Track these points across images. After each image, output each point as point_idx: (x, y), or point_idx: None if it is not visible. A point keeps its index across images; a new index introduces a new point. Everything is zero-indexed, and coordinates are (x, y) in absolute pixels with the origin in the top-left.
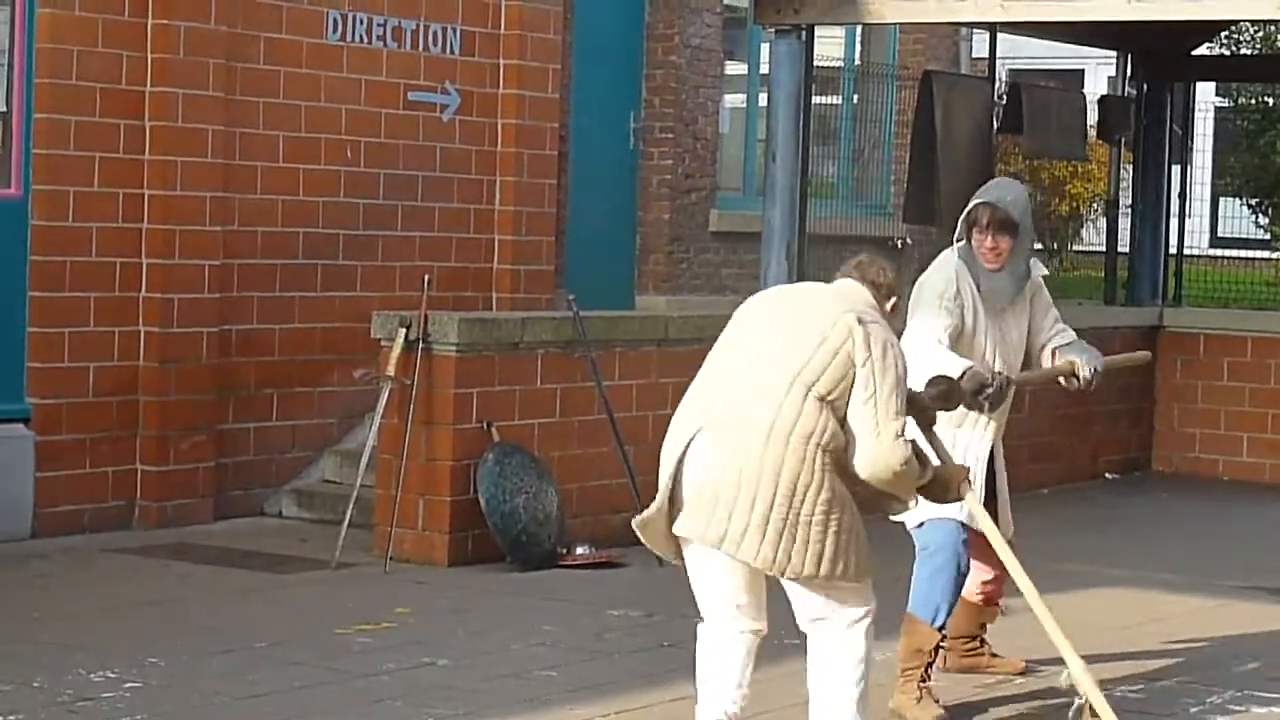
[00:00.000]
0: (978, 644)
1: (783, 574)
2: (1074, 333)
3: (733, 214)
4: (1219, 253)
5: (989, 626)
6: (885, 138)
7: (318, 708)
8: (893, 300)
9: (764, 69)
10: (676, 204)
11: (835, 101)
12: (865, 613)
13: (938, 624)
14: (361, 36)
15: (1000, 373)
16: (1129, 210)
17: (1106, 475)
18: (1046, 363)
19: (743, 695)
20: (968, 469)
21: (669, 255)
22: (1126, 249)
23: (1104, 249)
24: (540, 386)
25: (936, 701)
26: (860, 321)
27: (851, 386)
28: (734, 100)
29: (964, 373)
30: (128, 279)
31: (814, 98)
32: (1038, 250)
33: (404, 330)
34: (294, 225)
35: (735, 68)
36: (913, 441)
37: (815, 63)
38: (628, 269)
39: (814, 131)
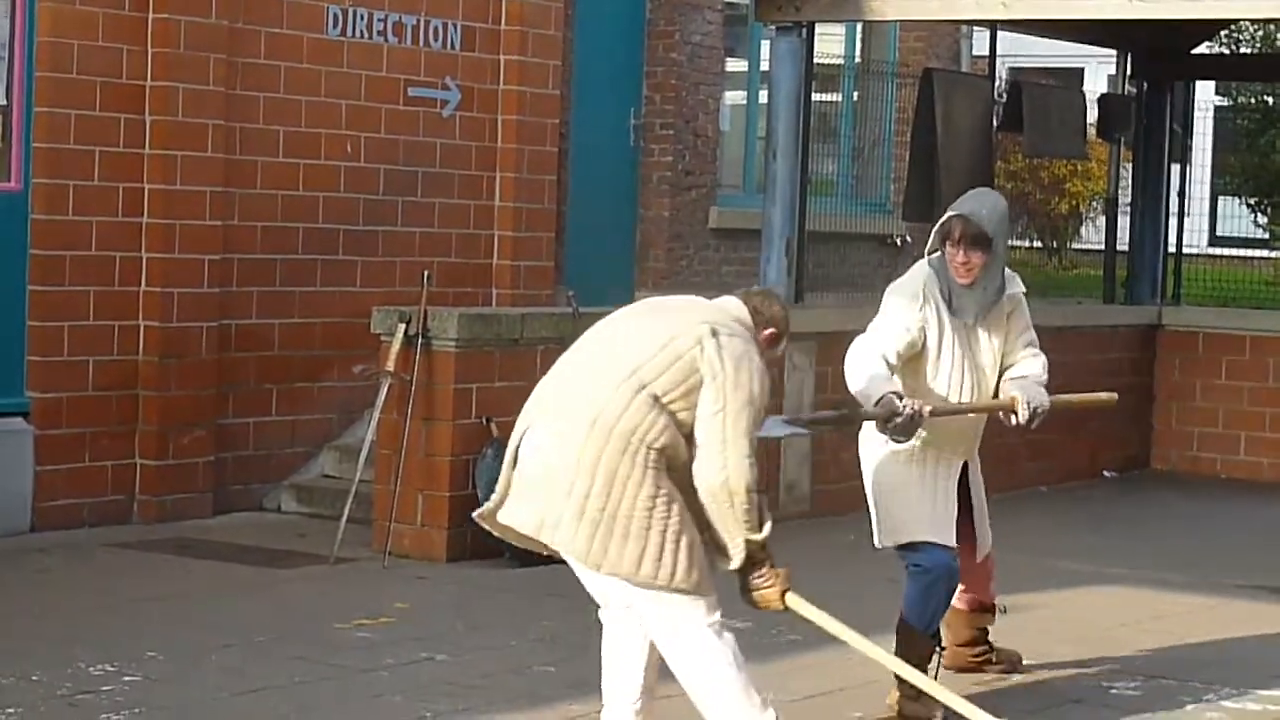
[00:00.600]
0: (985, 649)
1: (599, 569)
2: (1042, 360)
3: (733, 211)
4: (1218, 251)
5: (990, 629)
6: (885, 135)
7: (317, 702)
8: (770, 332)
9: (765, 66)
10: (677, 201)
11: (836, 99)
12: (704, 624)
13: (932, 630)
14: (362, 32)
15: (910, 404)
16: (1128, 209)
17: (1105, 473)
18: (1004, 390)
19: (638, 691)
20: (782, 582)
21: (669, 252)
22: (1126, 247)
23: (1103, 247)
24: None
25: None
26: (715, 334)
27: (698, 398)
28: (734, 97)
29: (879, 399)
30: (128, 273)
31: (814, 95)
32: (1035, 248)
33: (403, 326)
34: (294, 220)
35: (736, 65)
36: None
37: (816, 60)
38: (628, 265)
39: (814, 129)
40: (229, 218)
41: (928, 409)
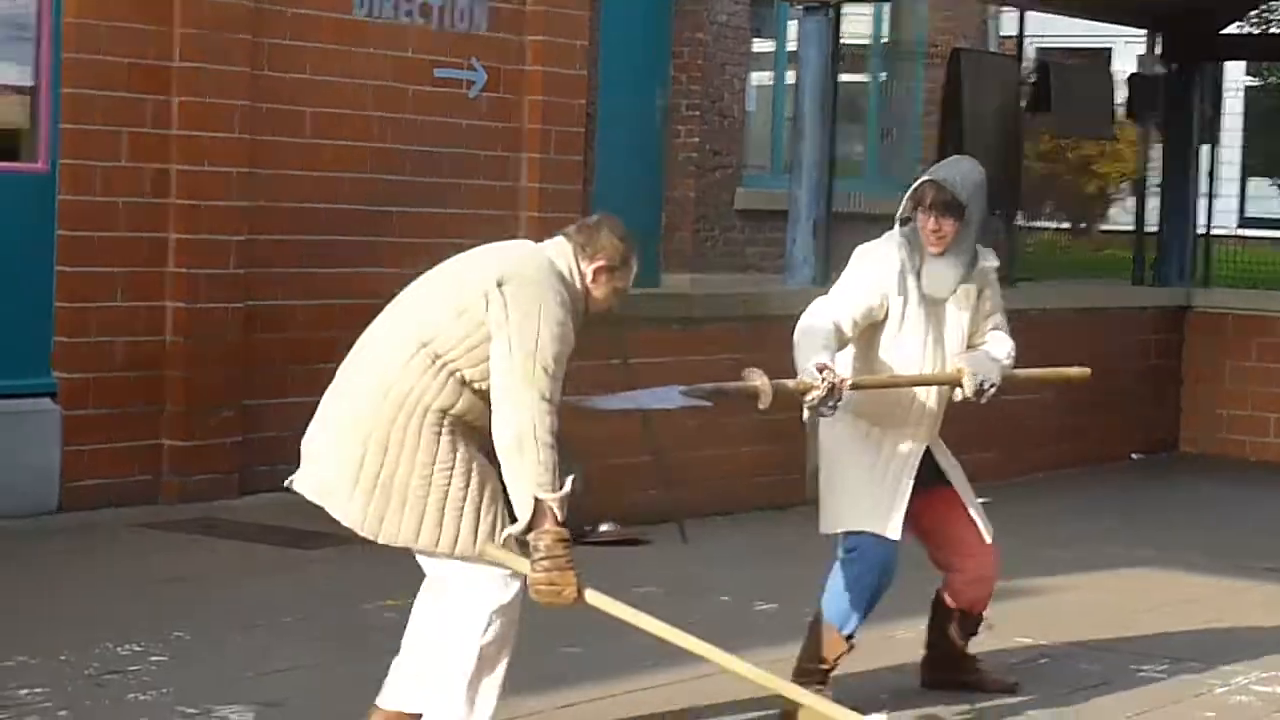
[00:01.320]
0: (970, 661)
1: (377, 538)
2: (1008, 343)
3: (758, 192)
4: (1248, 233)
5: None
6: (913, 116)
7: (343, 683)
8: (599, 264)
9: (791, 46)
10: (702, 181)
11: (863, 79)
12: (480, 597)
13: (846, 631)
14: (388, 12)
15: (827, 375)
16: (1157, 189)
17: (1133, 456)
18: (951, 363)
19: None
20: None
21: (694, 233)
22: (1155, 229)
23: (1132, 229)
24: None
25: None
26: (500, 284)
27: (487, 352)
28: (761, 78)
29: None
30: (154, 254)
31: (841, 75)
32: (1064, 229)
33: None
34: (319, 201)
35: (762, 45)
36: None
37: (843, 40)
38: (653, 246)
39: (841, 109)
40: (254, 199)
41: (847, 381)
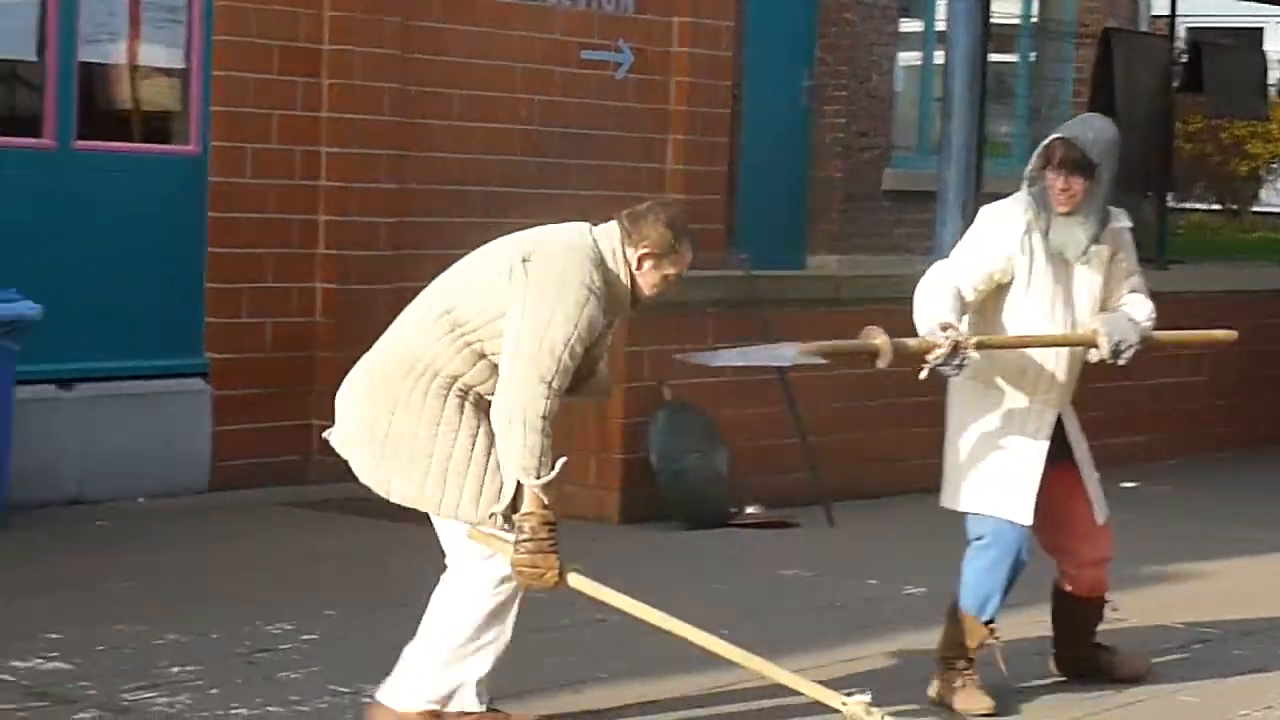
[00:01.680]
0: (1102, 648)
1: (388, 495)
2: (1148, 305)
3: (906, 172)
4: None
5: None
6: (1062, 96)
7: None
8: (643, 253)
9: (940, 26)
10: (849, 162)
11: (1012, 59)
12: (477, 565)
13: (985, 617)
14: None
15: (951, 334)
16: None
17: None
18: (1087, 325)
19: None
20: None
21: (841, 214)
22: None
23: None
24: (711, 346)
25: (982, 690)
26: (525, 260)
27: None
28: (909, 58)
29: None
30: (304, 235)
31: (991, 55)
32: (1213, 210)
33: None
34: (467, 183)
35: (910, 25)
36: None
37: (992, 20)
38: (799, 228)
39: (990, 89)
40: (403, 181)
41: (971, 340)
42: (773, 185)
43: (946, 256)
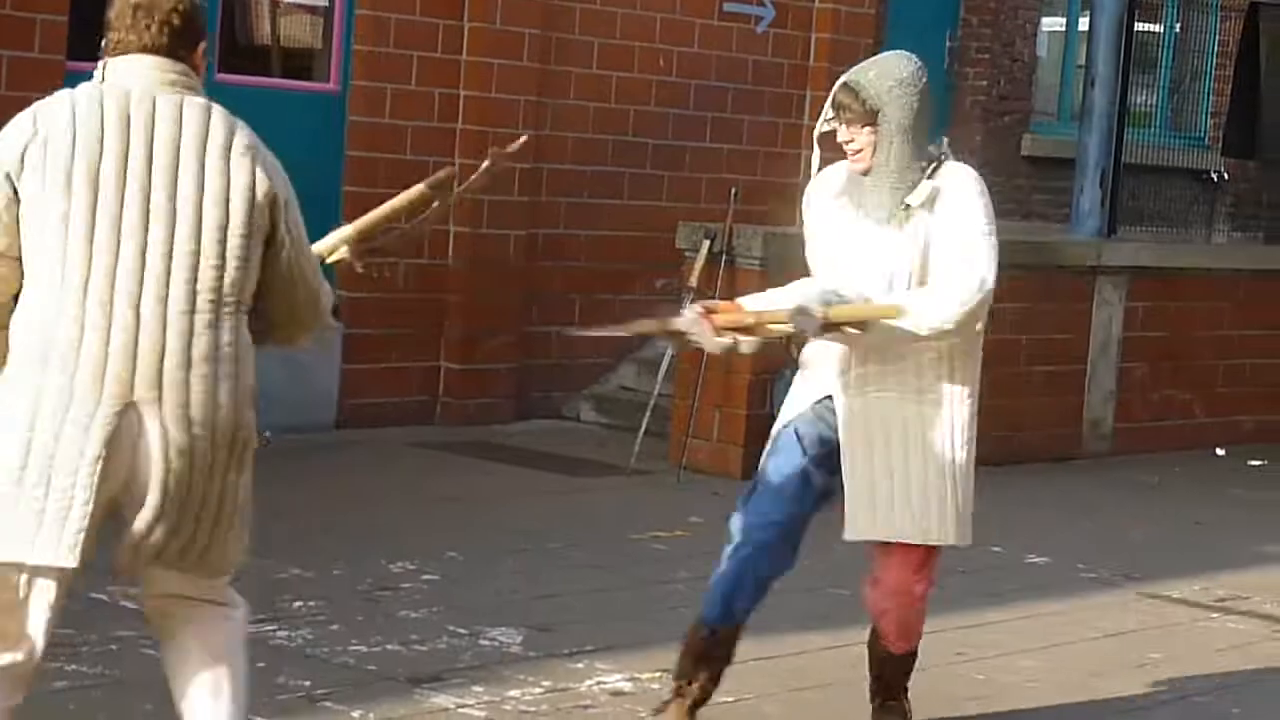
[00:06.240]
0: (876, 699)
1: None
2: (964, 274)
3: (1046, 139)
4: None
5: (892, 674)
6: (1206, 68)
7: (612, 612)
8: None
9: None
10: (990, 126)
11: (1157, 29)
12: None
13: (706, 619)
14: None
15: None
16: None
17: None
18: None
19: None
20: None
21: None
22: None
23: None
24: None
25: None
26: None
27: None
28: (1053, 23)
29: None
30: None
31: (1136, 24)
32: None
33: (708, 242)
34: (604, 132)
35: None
36: None
37: None
38: None
39: (1134, 59)
40: (541, 127)
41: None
42: None
43: (1084, 224)
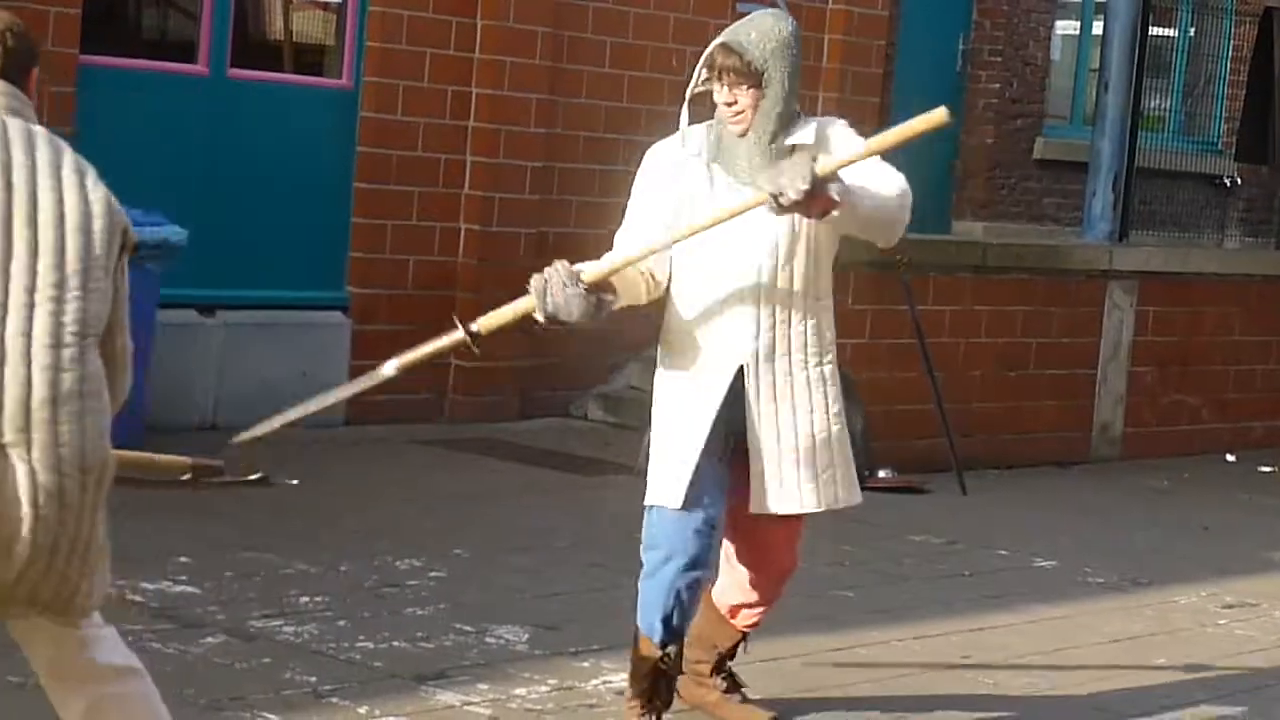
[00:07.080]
0: (719, 674)
1: None
2: (887, 171)
3: (1058, 142)
4: None
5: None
6: (1220, 74)
7: (618, 610)
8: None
9: None
10: (1001, 129)
11: (1170, 34)
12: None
13: (656, 640)
14: None
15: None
16: None
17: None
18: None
19: None
20: None
21: (988, 180)
22: None
23: None
24: (851, 307)
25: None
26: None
27: None
28: (1066, 26)
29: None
30: (451, 175)
31: (1150, 29)
32: None
33: None
34: (616, 131)
35: None
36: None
37: None
38: (946, 193)
39: (1147, 63)
40: (553, 126)
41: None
42: (921, 148)
43: (1095, 228)
